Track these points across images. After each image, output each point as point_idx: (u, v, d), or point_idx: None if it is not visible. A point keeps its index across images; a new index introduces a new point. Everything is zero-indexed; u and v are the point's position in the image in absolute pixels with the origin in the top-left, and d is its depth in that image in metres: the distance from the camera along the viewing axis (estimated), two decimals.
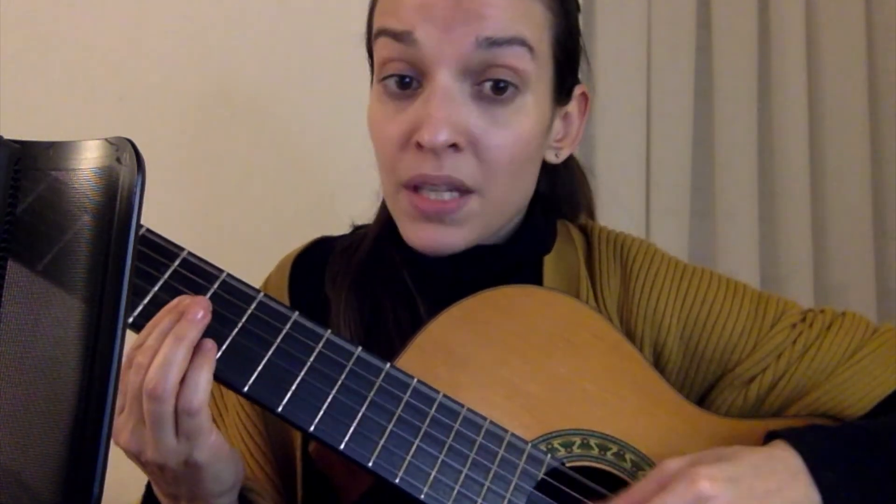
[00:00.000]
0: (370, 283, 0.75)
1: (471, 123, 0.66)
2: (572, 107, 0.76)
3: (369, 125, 0.71)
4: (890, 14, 1.49)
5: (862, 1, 1.47)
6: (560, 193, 0.82)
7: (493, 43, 0.65)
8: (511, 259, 0.75)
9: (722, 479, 0.58)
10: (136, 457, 0.57)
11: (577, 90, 0.76)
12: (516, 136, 0.67)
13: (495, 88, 0.66)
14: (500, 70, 0.66)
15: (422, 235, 0.69)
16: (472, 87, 0.66)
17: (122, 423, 0.56)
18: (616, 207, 1.34)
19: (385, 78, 0.68)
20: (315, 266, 0.78)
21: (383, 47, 0.68)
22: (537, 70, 0.68)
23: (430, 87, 0.66)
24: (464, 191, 0.67)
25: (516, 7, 0.66)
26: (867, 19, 1.48)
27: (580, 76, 0.77)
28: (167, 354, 0.54)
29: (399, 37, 0.66)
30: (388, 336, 0.71)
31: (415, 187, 0.68)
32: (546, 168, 0.77)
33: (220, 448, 0.57)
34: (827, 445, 0.63)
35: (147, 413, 0.54)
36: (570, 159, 0.81)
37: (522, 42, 0.66)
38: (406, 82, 0.67)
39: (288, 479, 0.73)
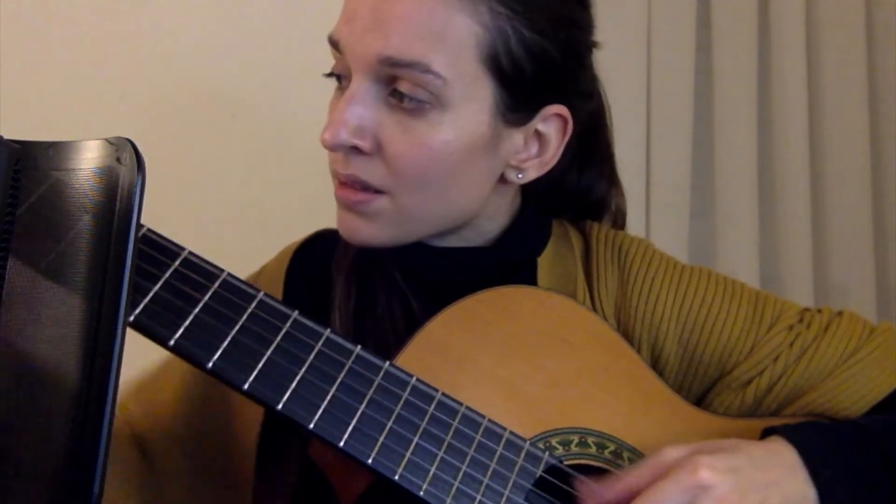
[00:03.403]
0: (367, 275, 0.75)
1: (380, 129, 0.65)
2: (547, 128, 0.69)
3: None
4: (890, 14, 1.49)
5: (862, 1, 1.47)
6: (591, 198, 0.81)
7: (395, 64, 0.63)
8: (499, 262, 0.75)
9: (722, 469, 0.58)
10: None
11: (549, 110, 0.68)
12: (426, 149, 0.65)
13: (405, 100, 0.64)
14: (406, 86, 0.63)
15: (342, 224, 0.70)
16: (385, 95, 0.65)
17: None
18: None
19: (332, 75, 0.70)
20: (316, 256, 0.79)
21: (333, 51, 0.69)
22: (459, 89, 0.64)
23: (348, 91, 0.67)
24: (373, 190, 0.67)
25: (428, 23, 0.62)
26: (867, 19, 1.48)
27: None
28: None
29: (334, 44, 0.67)
30: (382, 329, 0.71)
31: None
32: (565, 169, 0.76)
33: None
34: (823, 442, 0.63)
35: None
36: (607, 166, 0.80)
37: (425, 69, 0.62)
38: (344, 85, 0.68)
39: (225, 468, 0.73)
